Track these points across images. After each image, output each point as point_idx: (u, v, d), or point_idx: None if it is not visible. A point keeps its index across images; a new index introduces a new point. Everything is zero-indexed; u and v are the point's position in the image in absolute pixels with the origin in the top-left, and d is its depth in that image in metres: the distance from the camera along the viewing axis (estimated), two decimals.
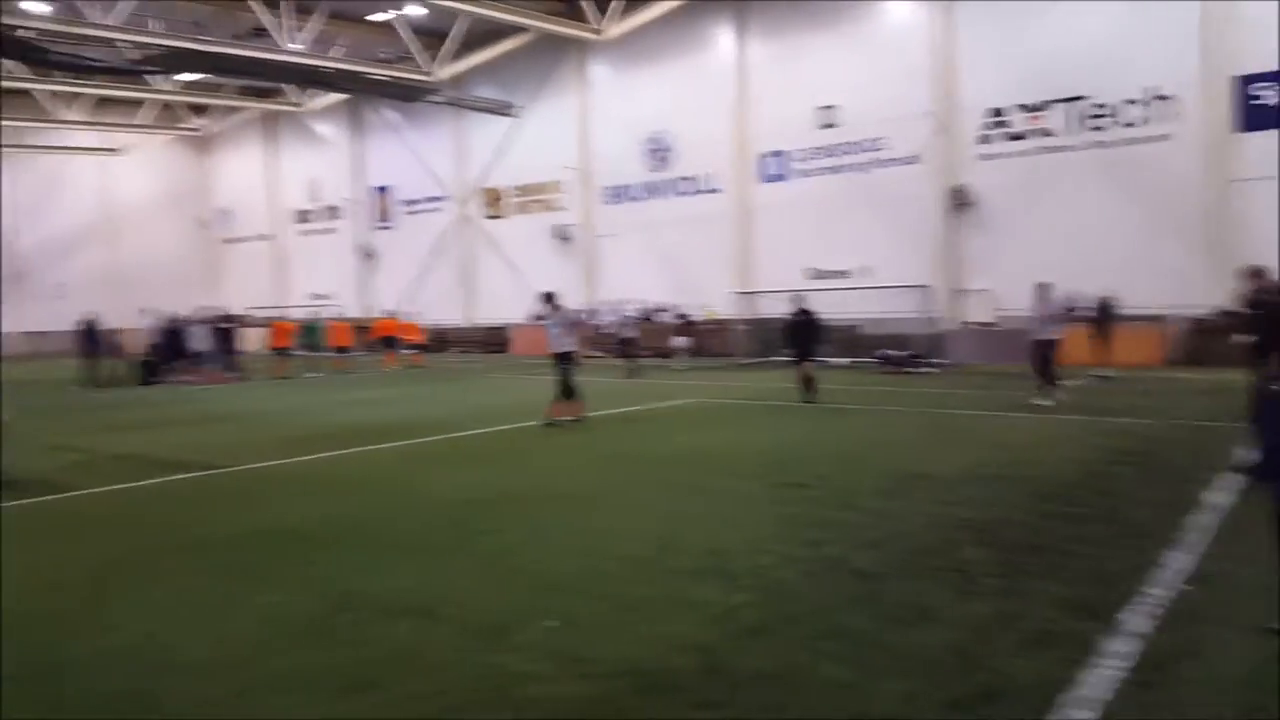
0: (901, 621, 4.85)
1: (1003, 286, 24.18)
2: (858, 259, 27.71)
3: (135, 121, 44.03)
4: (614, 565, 5.99)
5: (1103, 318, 19.47)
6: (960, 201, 25.90)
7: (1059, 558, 5.96)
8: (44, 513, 8.46)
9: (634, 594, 5.39)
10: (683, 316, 30.81)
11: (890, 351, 23.96)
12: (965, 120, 25.81)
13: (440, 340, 37.91)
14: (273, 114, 45.99)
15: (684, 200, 32.30)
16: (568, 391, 13.24)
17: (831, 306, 24.65)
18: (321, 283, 44.19)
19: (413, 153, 40.74)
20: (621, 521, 7.31)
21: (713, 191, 31.53)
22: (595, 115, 34.39)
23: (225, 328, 26.83)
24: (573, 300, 34.23)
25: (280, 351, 27.90)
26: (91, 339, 24.50)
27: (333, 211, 45.33)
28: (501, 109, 35.80)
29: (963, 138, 25.90)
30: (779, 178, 29.92)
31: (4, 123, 39.38)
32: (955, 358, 24.39)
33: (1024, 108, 24.77)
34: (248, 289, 46.32)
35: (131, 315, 28.97)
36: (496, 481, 9.15)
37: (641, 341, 27.09)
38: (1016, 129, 25.04)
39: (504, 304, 36.48)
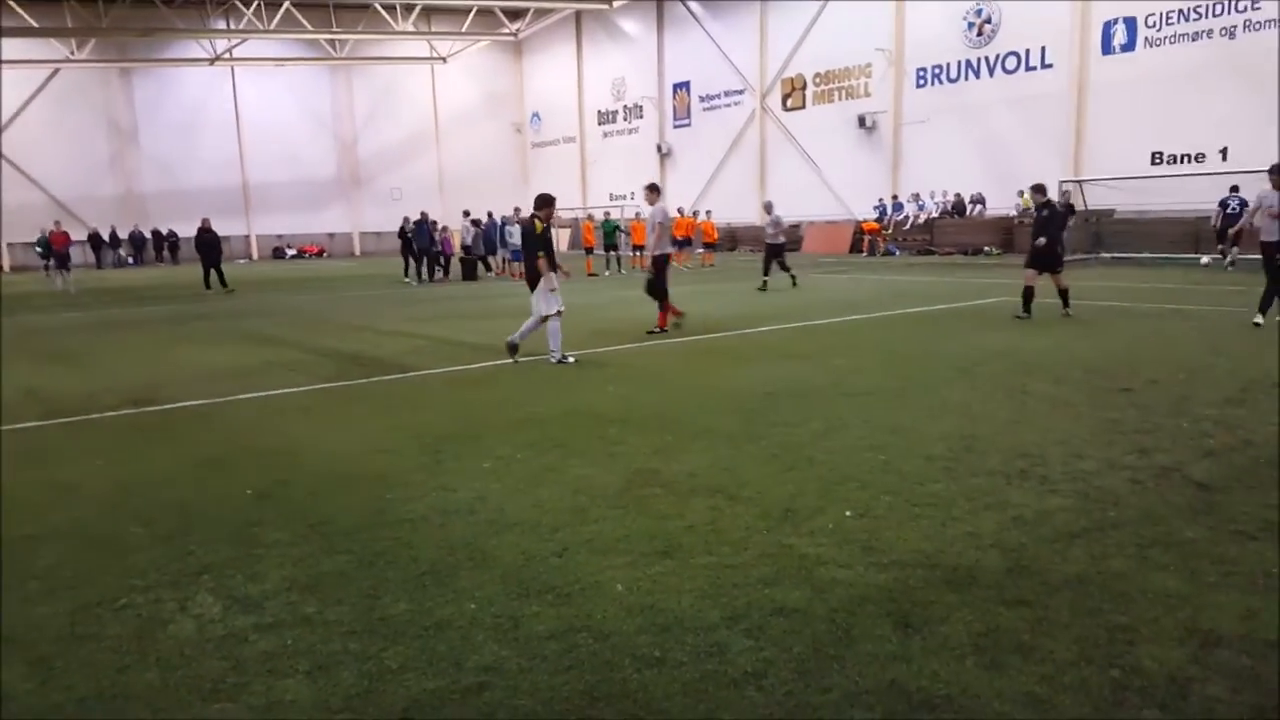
0: (1244, 535, 4.40)
1: None
2: (1213, 140, 24.23)
3: (457, 29, 46.90)
4: (915, 463, 5.83)
5: None
6: None
7: None
8: (391, 389, 9.56)
9: (934, 491, 5.23)
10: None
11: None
12: None
13: (731, 239, 38.21)
14: (582, 13, 47.25)
15: (1008, 79, 29.54)
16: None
17: (1175, 197, 22.03)
18: (622, 183, 45.75)
19: (715, 45, 40.52)
20: (924, 420, 7.07)
21: (1044, 67, 28.48)
22: None
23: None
24: (879, 192, 33.22)
25: (587, 250, 29.47)
26: (422, 238, 27.05)
27: (633, 111, 46.42)
28: None
29: None
30: (1125, 48, 26.42)
31: (346, 35, 43.75)
32: None
33: None
34: (554, 190, 48.98)
35: (455, 217, 31.58)
36: (794, 376, 9.16)
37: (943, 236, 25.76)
38: None
39: (799, 200, 35.92)
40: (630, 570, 4.18)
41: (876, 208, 33.18)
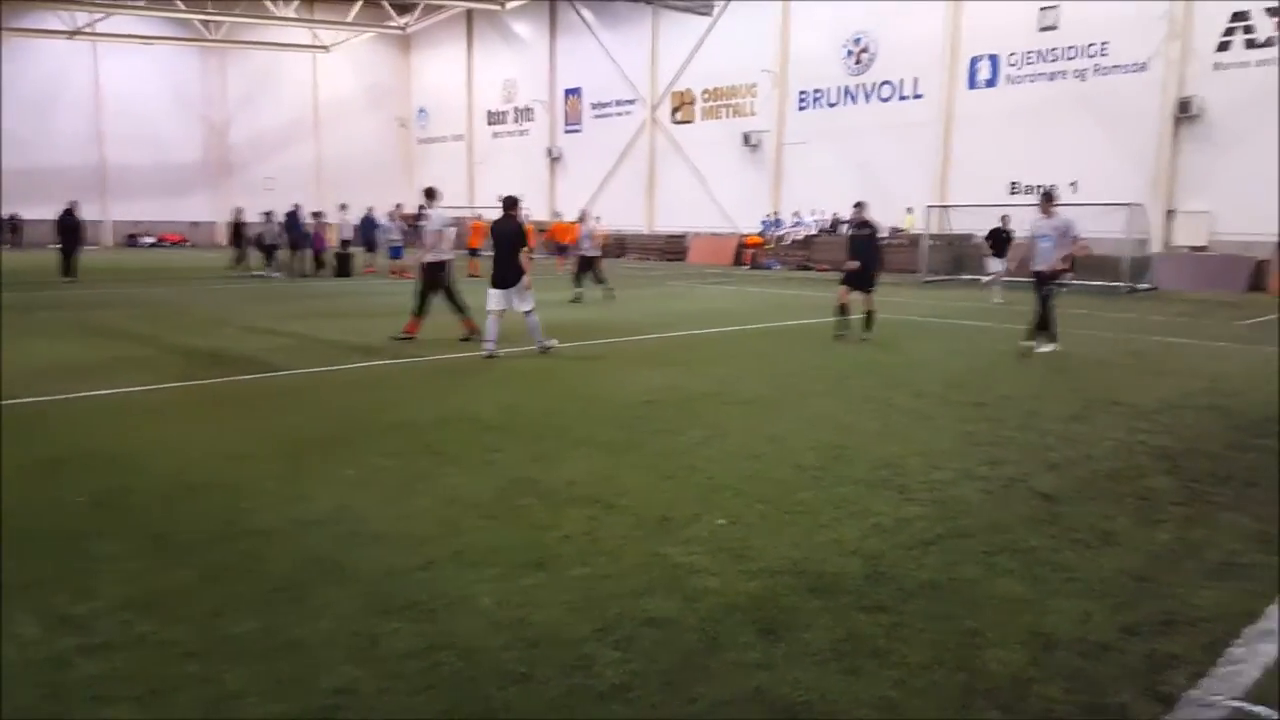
0: (1081, 543, 4.67)
1: (1221, 209, 22.14)
2: (1065, 173, 25.86)
3: (342, 19, 45.50)
4: (787, 471, 5.94)
5: None
6: (1186, 115, 23.59)
7: (1249, 490, 5.67)
8: (250, 390, 9.10)
9: (803, 499, 5.33)
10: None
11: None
12: (1202, 25, 23.38)
13: (619, 246, 38.32)
14: (473, 12, 46.58)
15: (882, 106, 30.84)
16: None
17: (1028, 224, 23.15)
18: (510, 185, 45.26)
19: (606, 54, 40.63)
20: (798, 429, 7.21)
21: (915, 97, 29.90)
22: (798, 13, 33.01)
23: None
24: (762, 208, 33.84)
25: (473, 251, 29.00)
26: (295, 231, 26.10)
27: (524, 114, 46.08)
28: (700, 8, 34.97)
29: (1197, 44, 23.46)
30: (989, 83, 28.00)
31: (221, 17, 41.88)
32: (1160, 282, 22.71)
33: (1272, 11, 22.13)
34: (442, 189, 48.02)
35: (332, 210, 30.63)
36: (675, 385, 9.17)
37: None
38: (1261, 35, 22.45)
39: (685, 212, 36.39)
40: (500, 583, 4.05)
41: (764, 222, 33.83)
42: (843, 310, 12.69)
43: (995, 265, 19.95)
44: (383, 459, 6.20)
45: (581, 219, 20.07)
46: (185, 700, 3.07)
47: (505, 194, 11.54)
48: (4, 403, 7.97)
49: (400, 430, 7.08)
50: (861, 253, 12.58)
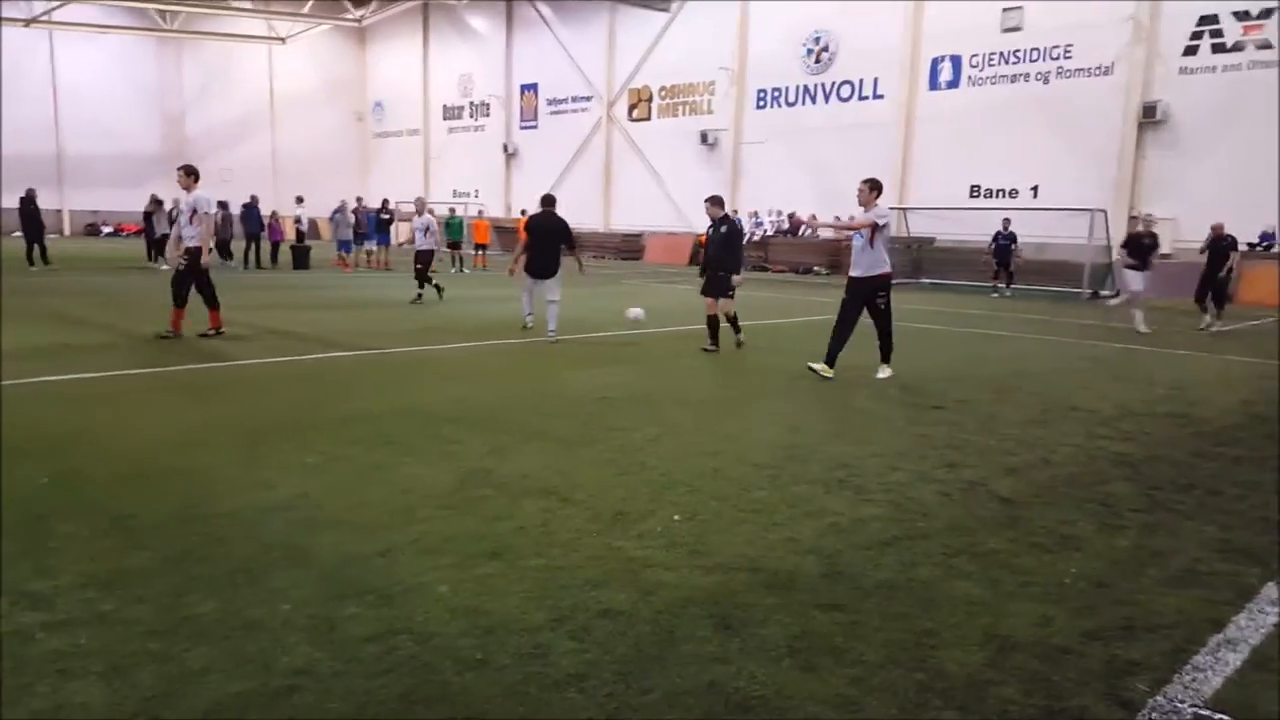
0: (1040, 548, 4.72)
1: (1186, 215, 22.46)
2: (1026, 178, 26.18)
3: (298, 10, 45.04)
4: (742, 470, 6.00)
5: None
6: (1150, 120, 23.91)
7: (1211, 498, 5.69)
8: (209, 379, 9.05)
9: (758, 497, 5.40)
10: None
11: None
12: (1170, 28, 23.59)
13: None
14: (430, 5, 46.29)
15: (841, 106, 30.93)
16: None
17: (989, 228, 23.65)
18: (465, 180, 45.09)
19: (563, 50, 40.57)
20: (753, 428, 7.30)
21: (875, 98, 29.99)
22: (757, 11, 33.04)
23: (384, 219, 27.89)
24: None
25: (480, 247, 28.98)
26: (252, 222, 25.83)
27: (479, 109, 45.87)
28: (658, 4, 35.03)
29: (1164, 48, 23.73)
30: (950, 85, 28.14)
31: (174, 7, 41.08)
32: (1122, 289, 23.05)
33: (1240, 15, 22.45)
34: (395, 183, 47.69)
35: (288, 202, 30.32)
36: (631, 382, 9.25)
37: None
38: (1229, 39, 22.75)
39: (642, 210, 36.39)
40: (456, 571, 4.10)
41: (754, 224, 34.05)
42: (712, 324, 11.48)
43: (1135, 281, 15.71)
44: (340, 447, 6.21)
45: (418, 210, 18.48)
46: (147, 677, 3.09)
47: (545, 193, 12.76)
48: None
49: (358, 420, 7.09)
50: (713, 252, 11.48)
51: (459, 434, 6.75)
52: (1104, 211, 23.51)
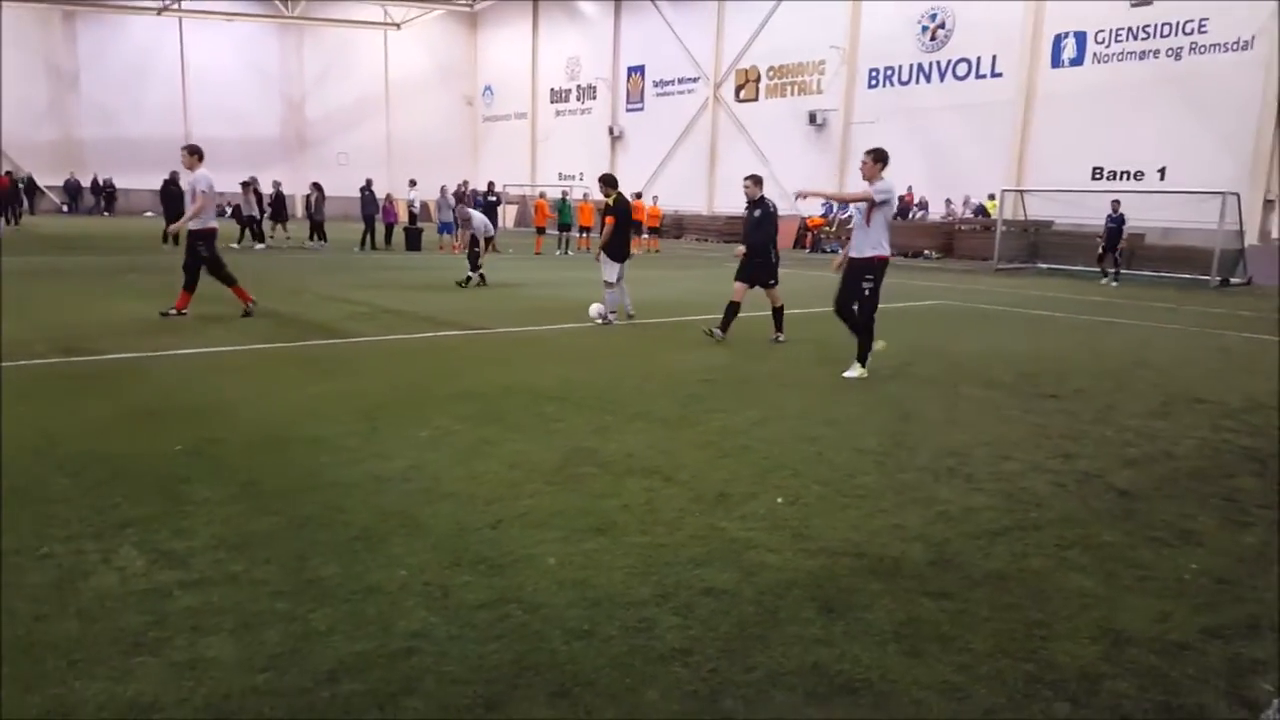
0: (1159, 542, 4.55)
1: None
2: (1153, 159, 24.88)
3: None
4: (847, 455, 5.95)
5: None
6: None
7: None
8: (330, 353, 9.43)
9: (863, 483, 5.35)
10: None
11: None
12: None
13: (677, 226, 38.25)
14: None
15: (957, 85, 29.98)
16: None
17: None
18: (571, 163, 45.49)
19: (670, 31, 40.47)
20: (859, 414, 7.21)
21: (993, 76, 28.94)
22: None
23: (491, 202, 28.44)
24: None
25: (539, 230, 29.36)
26: (368, 204, 26.71)
27: (586, 92, 46.19)
28: None
29: None
30: (1074, 62, 26.92)
31: None
32: (1255, 276, 21.78)
33: None
34: (503, 166, 48.45)
35: (402, 185, 31.20)
36: (733, 365, 9.24)
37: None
38: None
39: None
40: (563, 545, 4.20)
41: (823, 204, 33.53)
42: (731, 310, 10.64)
43: None
44: (451, 422, 6.41)
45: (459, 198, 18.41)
46: (275, 635, 3.27)
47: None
48: (97, 358, 8.40)
49: (467, 397, 7.29)
50: (754, 237, 10.68)
51: (562, 413, 6.88)
52: (1236, 195, 22.18)
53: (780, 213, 11.40)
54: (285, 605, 3.50)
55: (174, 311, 11.04)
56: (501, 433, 6.19)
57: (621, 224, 11.87)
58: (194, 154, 11.20)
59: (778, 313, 10.90)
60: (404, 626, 3.35)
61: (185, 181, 11.15)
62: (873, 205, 8.39)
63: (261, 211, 26.07)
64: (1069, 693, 3.08)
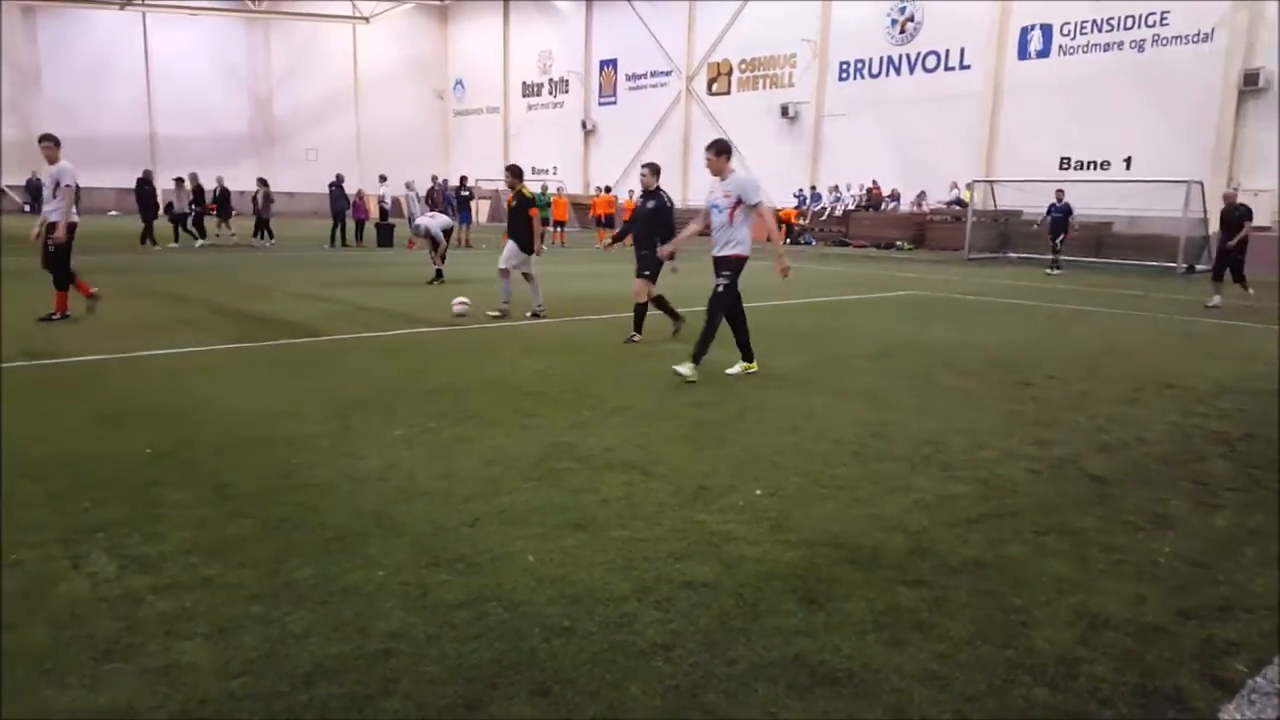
0: (1133, 526, 4.61)
1: None
2: (1118, 149, 25.25)
3: None
4: (824, 446, 5.97)
5: None
6: (1252, 88, 22.87)
7: None
8: (300, 353, 9.34)
9: (841, 474, 5.36)
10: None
11: None
12: None
13: None
14: None
15: (927, 78, 30.27)
16: None
17: (1080, 200, 22.89)
18: (544, 157, 45.34)
19: (643, 24, 40.44)
20: (835, 405, 7.24)
21: (962, 68, 29.27)
22: None
23: (464, 197, 28.32)
24: (799, 181, 33.57)
25: (559, 224, 29.32)
26: (339, 201, 26.47)
27: (559, 85, 46.04)
28: None
29: (1269, 13, 22.65)
30: (1040, 54, 27.29)
31: None
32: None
33: None
34: (475, 161, 48.17)
35: (372, 181, 30.96)
36: (709, 358, 9.20)
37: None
38: None
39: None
40: (542, 542, 4.17)
41: (796, 196, 33.64)
42: (640, 311, 10.19)
43: None
44: (427, 419, 6.35)
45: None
46: (251, 638, 3.22)
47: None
48: (62, 361, 8.26)
49: (442, 393, 7.24)
50: (639, 227, 10.16)
51: (540, 408, 6.84)
52: (1200, 183, 22.59)
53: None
54: (260, 608, 3.44)
55: (56, 315, 10.36)
56: (478, 429, 6.15)
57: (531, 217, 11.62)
58: (55, 144, 10.29)
59: (658, 303, 10.34)
60: (381, 627, 3.31)
61: (48, 174, 10.26)
62: (738, 203, 8.13)
63: (194, 207, 25.40)
64: (1048, 677, 3.10)
